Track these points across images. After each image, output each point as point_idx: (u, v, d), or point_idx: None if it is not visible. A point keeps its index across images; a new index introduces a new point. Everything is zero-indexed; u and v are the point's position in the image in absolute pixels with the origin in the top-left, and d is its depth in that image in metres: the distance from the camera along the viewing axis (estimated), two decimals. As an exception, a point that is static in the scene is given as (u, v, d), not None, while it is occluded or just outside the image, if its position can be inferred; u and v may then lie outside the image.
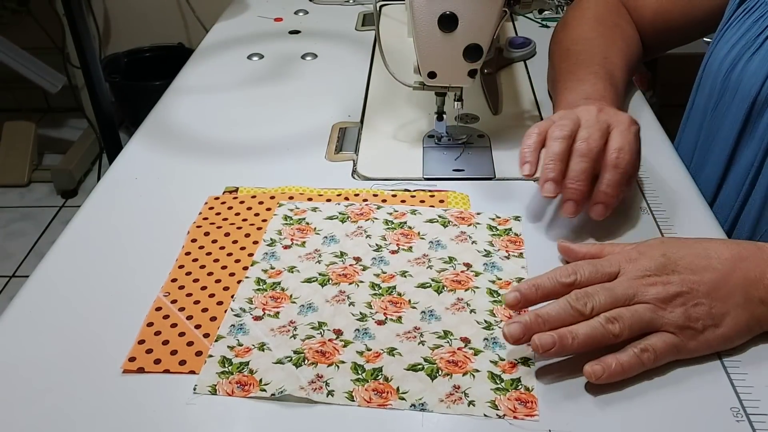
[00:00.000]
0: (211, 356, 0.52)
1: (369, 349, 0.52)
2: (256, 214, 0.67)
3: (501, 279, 0.58)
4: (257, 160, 0.76)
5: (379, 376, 0.50)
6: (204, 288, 0.58)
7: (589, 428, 0.46)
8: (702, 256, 0.51)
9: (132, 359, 0.51)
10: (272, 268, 0.60)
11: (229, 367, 0.51)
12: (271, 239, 0.63)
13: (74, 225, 0.67)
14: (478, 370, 0.50)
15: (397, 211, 0.66)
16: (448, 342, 0.52)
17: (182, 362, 0.51)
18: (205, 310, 0.56)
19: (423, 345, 0.52)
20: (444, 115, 0.75)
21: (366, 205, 0.67)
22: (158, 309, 0.56)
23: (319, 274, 0.59)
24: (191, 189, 0.71)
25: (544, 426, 0.46)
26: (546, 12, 1.11)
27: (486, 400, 0.48)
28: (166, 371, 0.51)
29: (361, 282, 0.58)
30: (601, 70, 0.75)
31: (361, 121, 0.83)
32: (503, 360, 0.51)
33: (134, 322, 0.55)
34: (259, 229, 0.65)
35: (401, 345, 0.52)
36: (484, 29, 0.66)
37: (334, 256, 0.61)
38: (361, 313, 0.55)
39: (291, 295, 0.57)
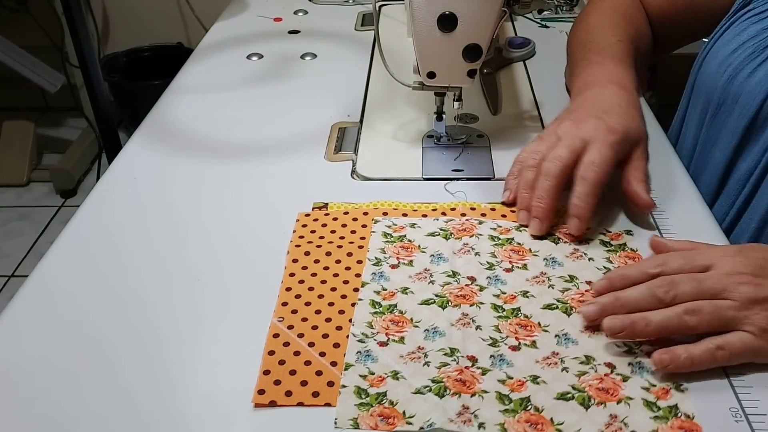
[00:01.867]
0: (344, 386, 0.49)
1: (510, 377, 0.49)
2: (353, 232, 0.64)
3: None
4: (256, 160, 0.76)
5: (529, 406, 0.47)
6: (318, 312, 0.55)
7: (588, 428, 0.46)
8: None
9: (261, 392, 0.48)
10: (384, 289, 0.57)
11: (367, 398, 0.48)
12: (376, 258, 0.60)
13: (73, 225, 0.67)
14: (631, 398, 0.47)
15: (501, 227, 0.63)
16: (593, 368, 0.49)
17: (315, 394, 0.48)
18: (325, 336, 0.53)
19: (566, 372, 0.49)
20: (443, 115, 0.75)
21: (467, 220, 0.64)
22: (276, 336, 0.53)
23: (436, 296, 0.56)
24: (190, 189, 0.71)
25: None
26: (545, 12, 1.11)
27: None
28: (300, 404, 0.48)
29: (482, 303, 0.55)
30: (614, 52, 0.75)
31: (361, 121, 0.83)
32: (654, 386, 0.48)
33: (134, 322, 0.55)
34: (360, 247, 0.62)
35: (543, 372, 0.49)
36: (484, 29, 0.66)
37: (447, 276, 0.58)
38: (491, 337, 0.52)
39: (412, 319, 0.54)
